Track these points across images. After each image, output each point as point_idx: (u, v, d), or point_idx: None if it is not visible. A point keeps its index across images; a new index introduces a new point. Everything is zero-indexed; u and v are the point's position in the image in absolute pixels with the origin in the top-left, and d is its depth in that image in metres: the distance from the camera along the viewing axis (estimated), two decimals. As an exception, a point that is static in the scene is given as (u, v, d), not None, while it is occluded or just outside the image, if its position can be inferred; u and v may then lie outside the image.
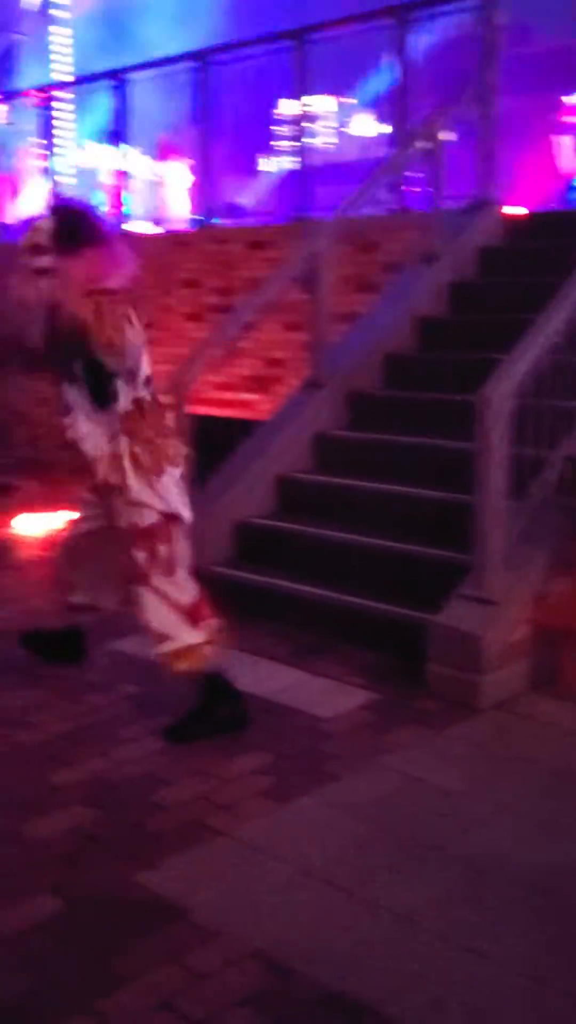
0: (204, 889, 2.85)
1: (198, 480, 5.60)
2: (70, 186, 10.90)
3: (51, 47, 14.03)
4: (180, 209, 10.08)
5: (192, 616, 3.79)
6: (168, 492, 3.79)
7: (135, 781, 3.47)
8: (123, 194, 9.99)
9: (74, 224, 3.78)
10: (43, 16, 14.55)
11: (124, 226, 9.51)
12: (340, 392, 6.08)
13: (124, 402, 3.79)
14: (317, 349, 6.15)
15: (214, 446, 5.80)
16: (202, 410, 5.85)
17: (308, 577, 5.14)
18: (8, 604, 5.37)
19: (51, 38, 14.16)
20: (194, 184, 8.90)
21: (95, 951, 2.59)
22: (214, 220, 8.96)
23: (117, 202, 9.63)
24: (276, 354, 7.67)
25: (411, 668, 4.28)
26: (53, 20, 14.34)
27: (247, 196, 9.47)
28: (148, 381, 3.85)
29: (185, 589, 3.81)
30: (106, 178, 10.52)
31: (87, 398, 3.82)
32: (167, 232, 9.29)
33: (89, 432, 3.83)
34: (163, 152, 10.35)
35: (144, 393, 3.83)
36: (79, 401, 3.84)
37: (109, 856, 3.02)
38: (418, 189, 7.48)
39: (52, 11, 14.45)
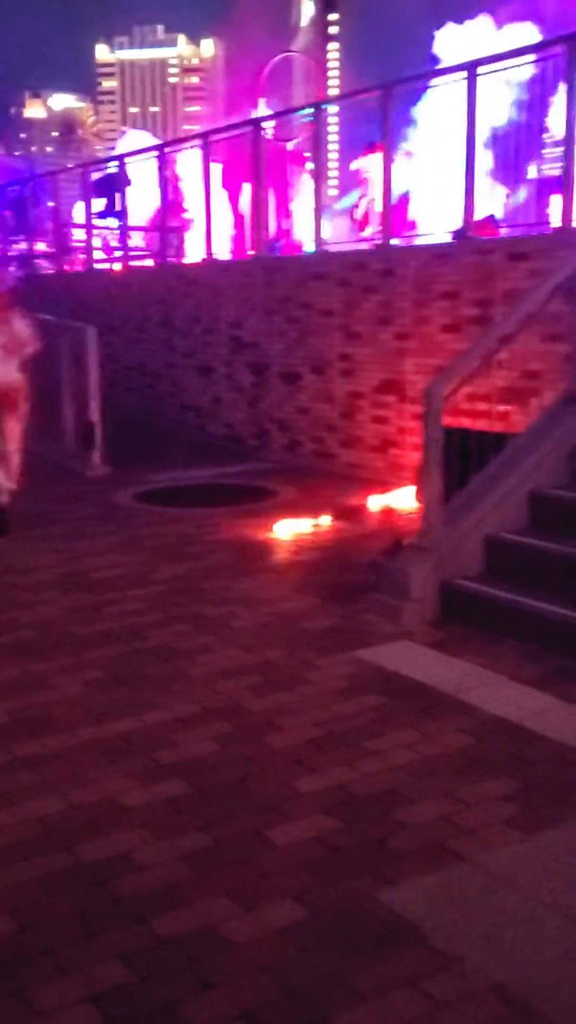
0: (444, 914, 2.81)
1: (449, 492, 5.56)
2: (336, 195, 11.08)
3: (328, 62, 14.44)
4: (437, 221, 10.04)
5: None
6: None
7: (378, 795, 3.47)
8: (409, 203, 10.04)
9: None
10: (318, 32, 14.97)
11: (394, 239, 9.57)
12: (601, 407, 5.86)
13: None
14: (578, 362, 5.96)
15: (467, 458, 5.73)
16: (456, 422, 5.78)
17: (561, 597, 4.97)
18: (259, 604, 5.53)
19: (328, 54, 14.57)
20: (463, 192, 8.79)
21: (334, 964, 2.61)
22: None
23: (399, 211, 9.68)
24: (533, 366, 7.48)
25: None
26: (329, 37, 14.74)
27: (511, 206, 9.27)
28: None
29: None
30: (375, 187, 10.60)
31: None
32: (426, 245, 9.25)
33: None
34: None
35: None
36: None
37: (351, 869, 3.03)
38: None
39: (330, 28, 14.87)
